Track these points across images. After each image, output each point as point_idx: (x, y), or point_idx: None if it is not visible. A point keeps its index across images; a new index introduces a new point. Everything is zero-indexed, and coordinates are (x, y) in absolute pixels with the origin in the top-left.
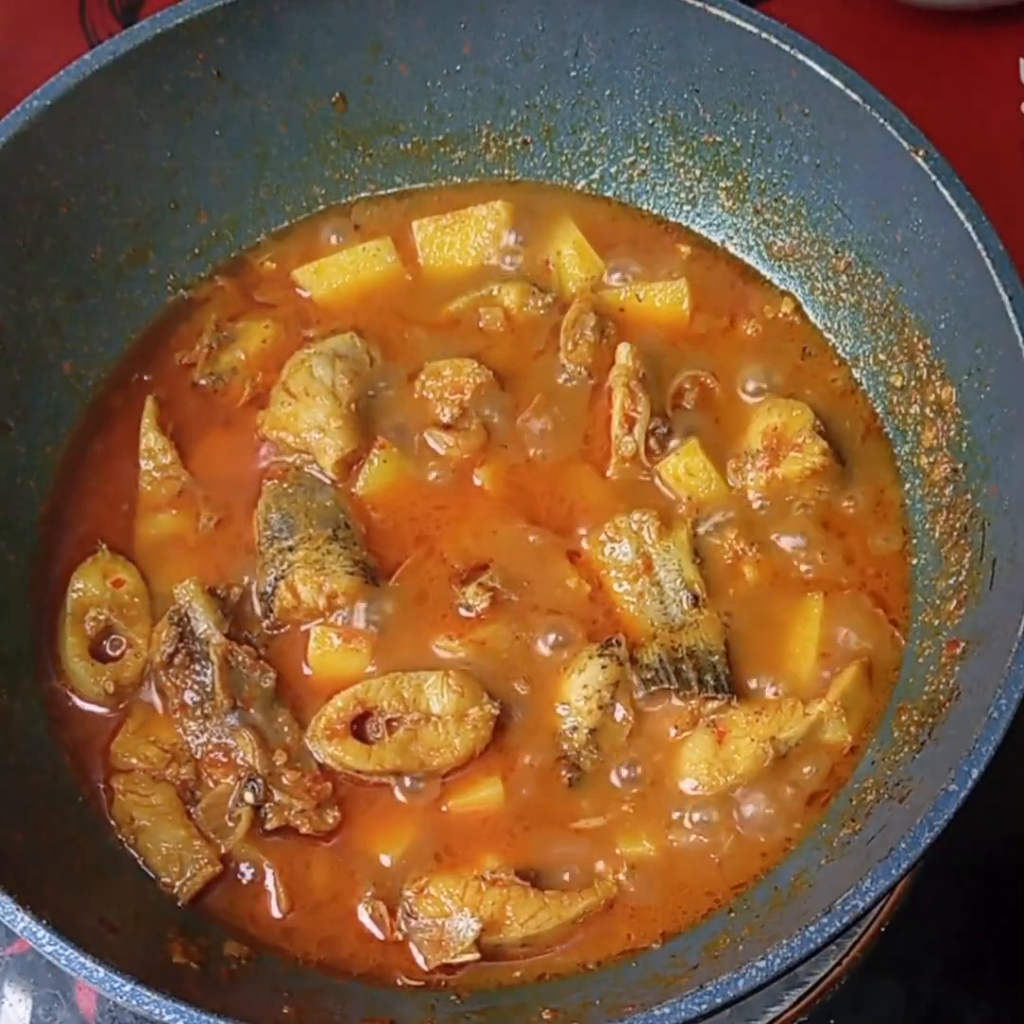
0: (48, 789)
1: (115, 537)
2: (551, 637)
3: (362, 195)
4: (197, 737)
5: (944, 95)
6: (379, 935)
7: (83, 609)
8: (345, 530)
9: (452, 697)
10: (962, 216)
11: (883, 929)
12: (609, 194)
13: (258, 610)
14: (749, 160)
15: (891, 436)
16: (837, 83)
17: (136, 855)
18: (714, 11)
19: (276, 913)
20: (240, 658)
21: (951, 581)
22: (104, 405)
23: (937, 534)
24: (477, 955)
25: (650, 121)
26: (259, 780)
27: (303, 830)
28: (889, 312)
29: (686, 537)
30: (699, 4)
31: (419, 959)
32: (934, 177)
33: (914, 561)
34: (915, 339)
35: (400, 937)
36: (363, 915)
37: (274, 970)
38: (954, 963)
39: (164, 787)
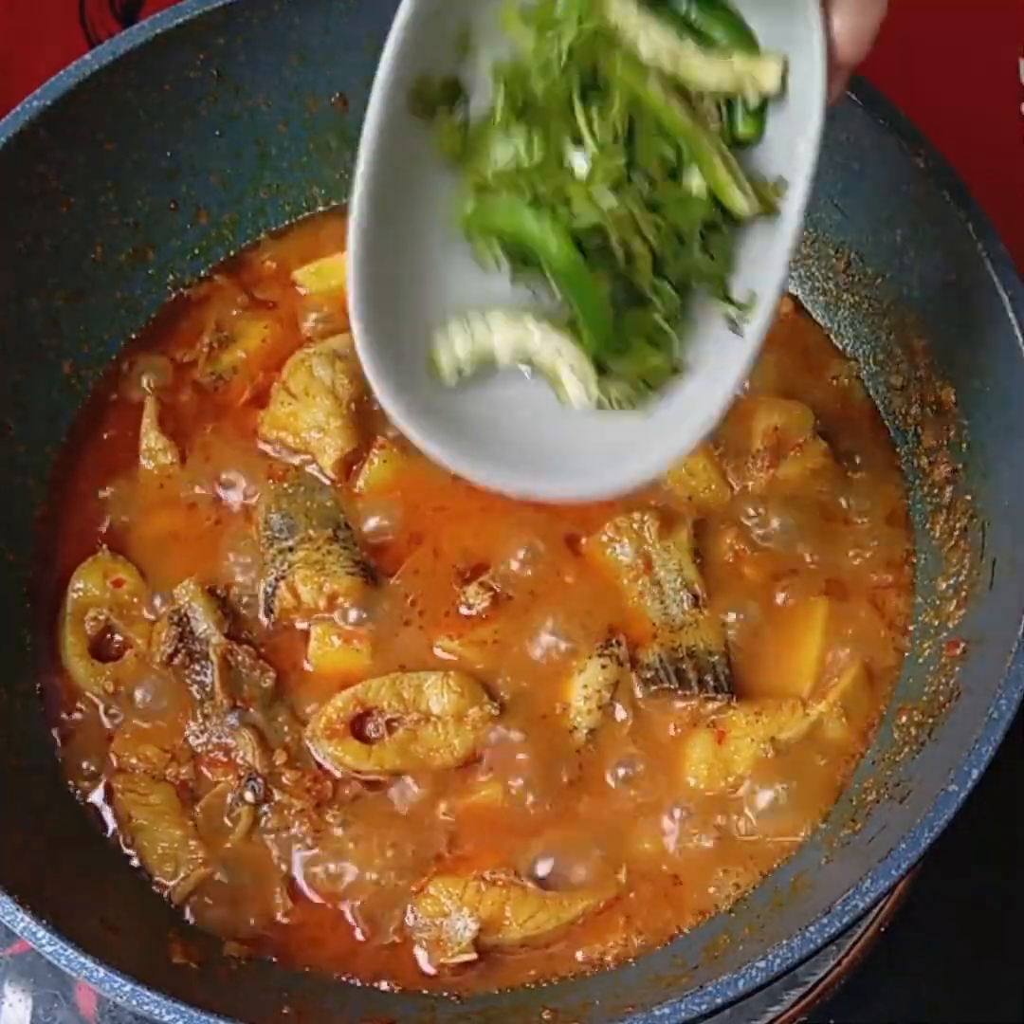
0: (48, 789)
1: (115, 537)
2: (551, 637)
3: None
4: (197, 737)
5: (944, 95)
6: (378, 936)
7: (83, 609)
8: (345, 530)
9: (452, 697)
10: (962, 216)
11: (883, 929)
12: None
13: (259, 610)
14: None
15: (891, 436)
16: None
17: (134, 855)
18: None
19: (276, 913)
20: (240, 658)
21: (951, 581)
22: (104, 405)
23: (937, 534)
24: (474, 955)
25: None
26: (259, 780)
27: (303, 830)
28: (889, 312)
29: (686, 537)
30: None
31: (423, 959)
32: (934, 177)
33: (914, 561)
34: (915, 339)
35: (398, 940)
36: (362, 915)
37: (274, 970)
38: (954, 963)
39: (163, 787)
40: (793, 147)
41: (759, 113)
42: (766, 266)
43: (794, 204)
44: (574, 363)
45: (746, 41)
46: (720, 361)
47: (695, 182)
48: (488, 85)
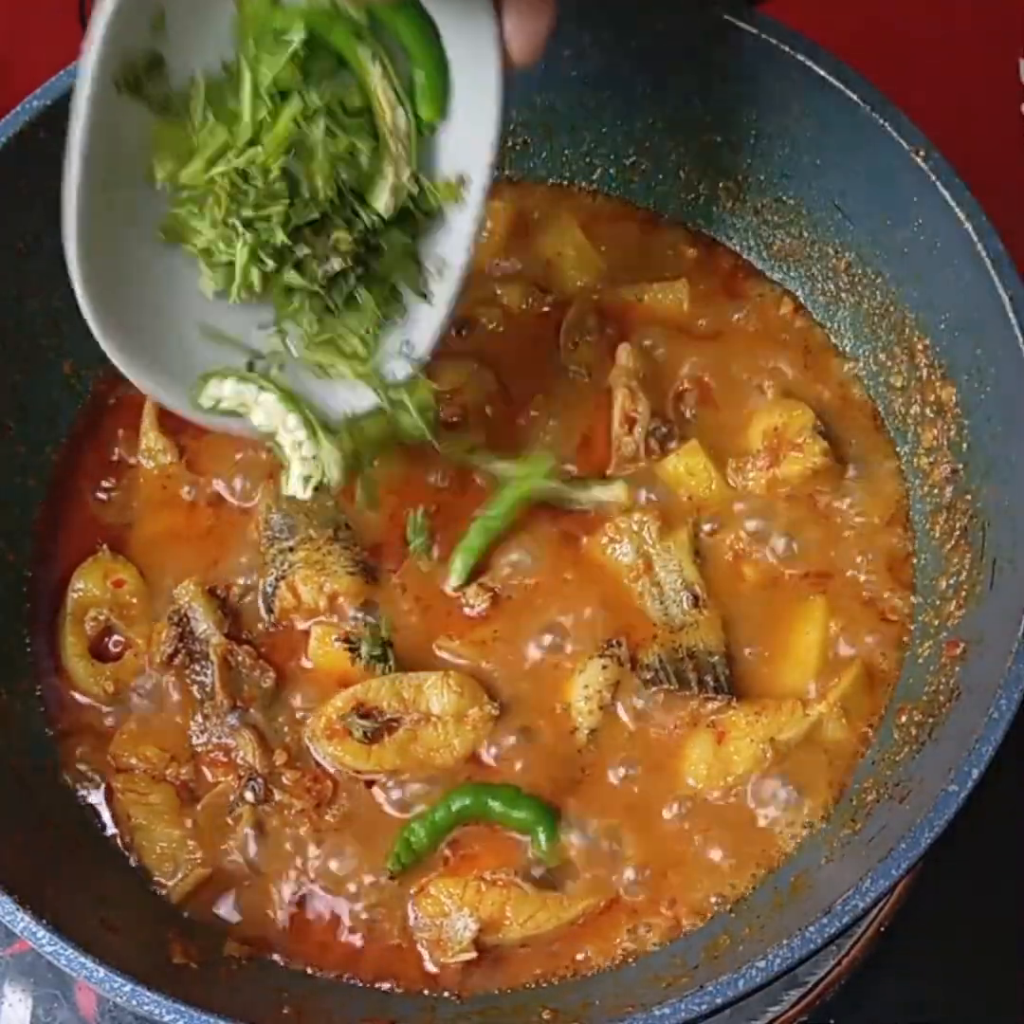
0: (48, 789)
1: (115, 537)
2: (551, 638)
3: None
4: (197, 737)
5: (944, 95)
6: (379, 936)
7: (83, 609)
8: (346, 530)
9: (452, 697)
10: (962, 216)
11: (883, 929)
12: (609, 194)
13: (259, 610)
14: (749, 160)
15: (891, 436)
16: (837, 83)
17: (133, 855)
18: (715, 12)
19: (276, 913)
20: (240, 658)
21: (951, 581)
22: (104, 405)
23: (937, 534)
24: (474, 954)
25: (650, 121)
26: (259, 780)
27: (303, 830)
28: (889, 312)
29: (686, 537)
30: (699, 4)
31: (423, 959)
32: (934, 177)
33: (914, 561)
34: (915, 339)
35: (399, 940)
36: (362, 915)
37: (274, 970)
38: (954, 963)
39: (163, 787)
40: (475, 143)
41: (439, 98)
42: (455, 243)
43: (476, 193)
44: (310, 457)
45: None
46: (419, 324)
47: (383, 200)
48: (188, 56)
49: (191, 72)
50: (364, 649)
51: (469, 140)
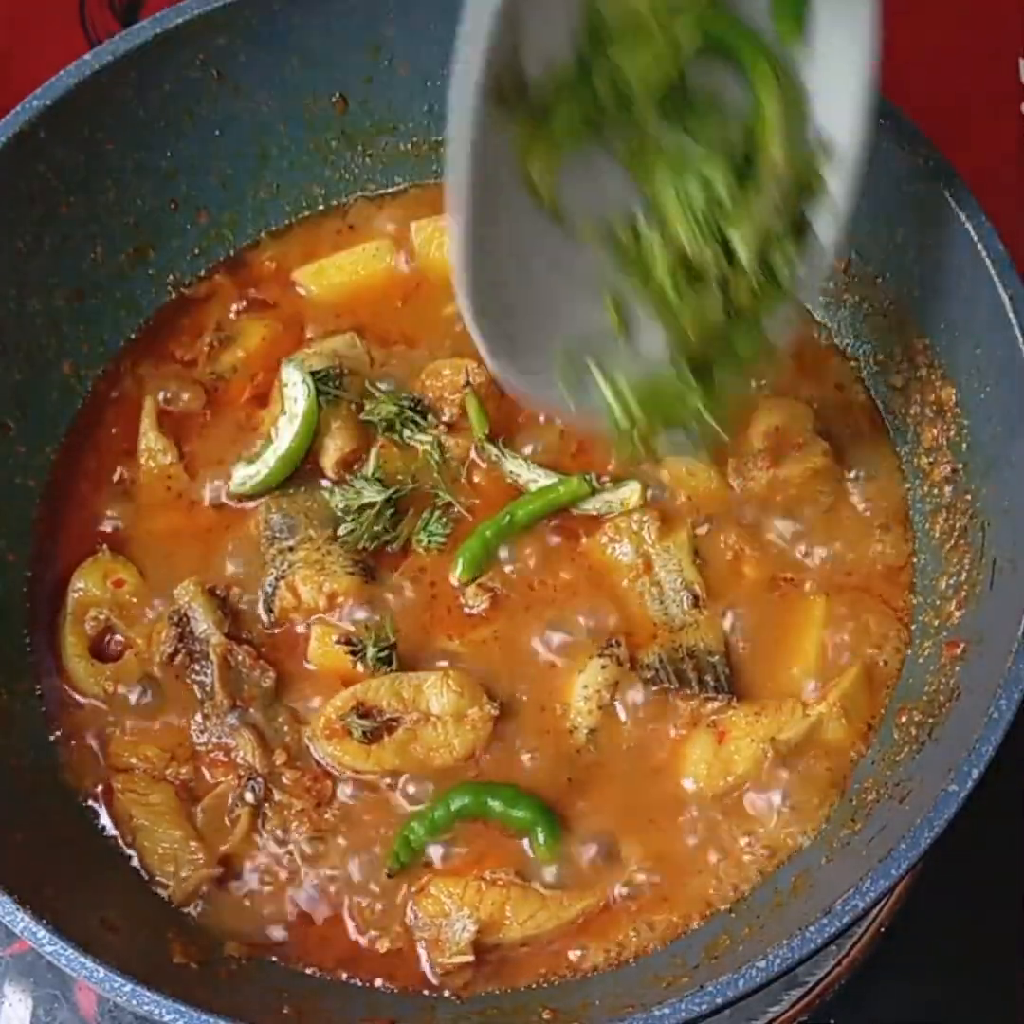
0: (48, 789)
1: (115, 537)
2: (551, 637)
3: (361, 195)
4: (197, 737)
5: (944, 95)
6: (379, 936)
7: (83, 609)
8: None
9: (452, 697)
10: (962, 216)
11: (883, 929)
12: None
13: (259, 610)
14: None
15: (891, 436)
16: None
17: (134, 855)
18: None
19: (276, 913)
20: (240, 658)
21: (951, 581)
22: (104, 404)
23: (937, 534)
24: (471, 957)
25: None
26: (259, 780)
27: (302, 830)
28: (889, 312)
29: (686, 537)
30: None
31: (423, 959)
32: (934, 177)
33: (914, 561)
34: (915, 339)
35: (399, 940)
36: (362, 915)
37: (274, 970)
38: (954, 963)
39: (163, 787)
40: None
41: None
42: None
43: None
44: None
45: None
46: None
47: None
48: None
49: (547, 61)
50: (369, 653)
51: (832, 90)
